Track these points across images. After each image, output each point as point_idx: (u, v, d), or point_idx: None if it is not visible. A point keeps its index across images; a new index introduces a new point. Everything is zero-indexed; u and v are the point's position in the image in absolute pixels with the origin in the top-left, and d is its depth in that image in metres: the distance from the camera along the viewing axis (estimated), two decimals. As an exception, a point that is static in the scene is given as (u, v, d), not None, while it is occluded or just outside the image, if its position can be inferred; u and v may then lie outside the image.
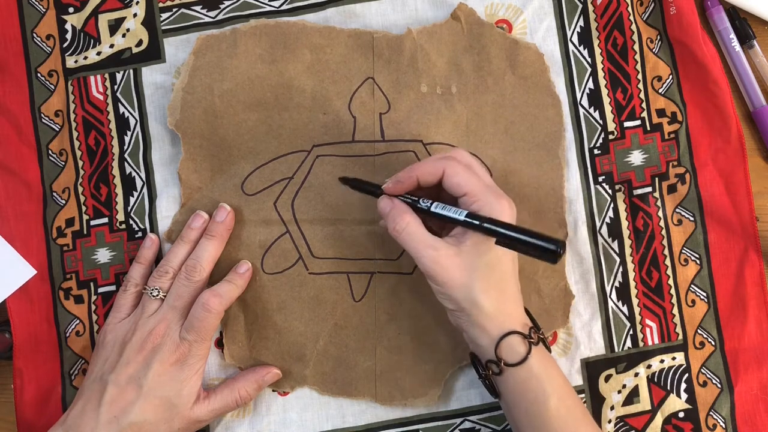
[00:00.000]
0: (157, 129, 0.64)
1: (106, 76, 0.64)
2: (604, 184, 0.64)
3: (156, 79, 0.64)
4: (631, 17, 0.64)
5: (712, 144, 0.64)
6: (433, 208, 0.55)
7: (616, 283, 0.64)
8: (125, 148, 0.64)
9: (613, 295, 0.63)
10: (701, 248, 0.64)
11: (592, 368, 0.63)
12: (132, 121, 0.64)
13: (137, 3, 0.64)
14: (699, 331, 0.63)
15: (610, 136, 0.64)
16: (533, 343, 0.54)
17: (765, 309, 0.63)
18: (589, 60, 0.64)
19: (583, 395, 0.63)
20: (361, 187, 0.59)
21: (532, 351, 0.53)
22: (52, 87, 0.64)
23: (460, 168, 0.54)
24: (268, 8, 0.64)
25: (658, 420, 0.63)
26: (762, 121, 0.64)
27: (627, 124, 0.64)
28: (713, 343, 0.63)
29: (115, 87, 0.64)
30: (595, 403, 0.63)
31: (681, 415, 0.63)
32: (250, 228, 0.63)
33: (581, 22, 0.64)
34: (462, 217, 0.53)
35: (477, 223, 0.52)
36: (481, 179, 0.54)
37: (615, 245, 0.64)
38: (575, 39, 0.64)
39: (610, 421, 0.63)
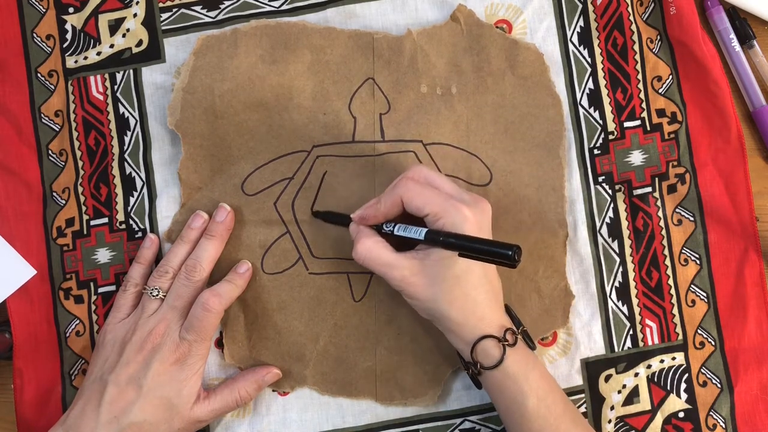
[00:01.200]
0: (157, 129, 0.64)
1: (106, 76, 0.64)
2: (604, 184, 0.64)
3: (156, 79, 0.64)
4: (631, 17, 0.64)
5: (712, 144, 0.64)
6: (396, 231, 0.56)
7: (616, 283, 0.64)
8: (125, 148, 0.64)
9: (613, 295, 0.63)
10: (701, 248, 0.64)
11: (592, 368, 0.63)
12: (132, 121, 0.64)
13: (137, 3, 0.64)
14: (699, 331, 0.63)
15: (610, 136, 0.64)
16: (508, 345, 0.54)
17: (765, 309, 0.63)
18: (589, 60, 0.64)
19: (583, 395, 0.63)
20: (333, 220, 0.61)
21: (507, 353, 0.54)
22: (52, 87, 0.64)
23: (416, 189, 0.55)
24: (269, 8, 0.64)
25: (658, 420, 0.63)
26: (762, 121, 0.64)
27: (627, 124, 0.64)
28: (713, 343, 0.63)
29: (115, 87, 0.64)
30: (595, 403, 0.63)
31: (681, 415, 0.63)
32: (250, 228, 0.63)
33: (581, 22, 0.64)
34: (422, 236, 0.55)
35: (436, 239, 0.53)
36: (441, 192, 0.55)
37: (615, 245, 0.64)
38: (575, 39, 0.64)
39: (610, 421, 0.63)
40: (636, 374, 0.63)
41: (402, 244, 0.57)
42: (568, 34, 0.64)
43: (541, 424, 0.54)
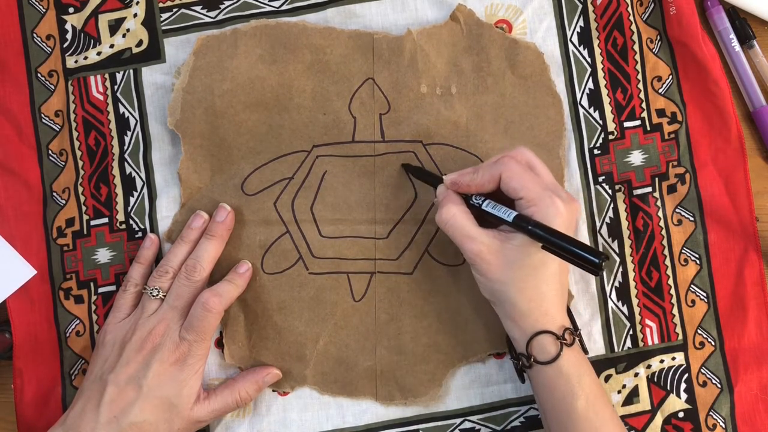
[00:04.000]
0: (157, 129, 0.64)
1: (106, 76, 0.64)
2: (604, 184, 0.64)
3: (156, 79, 0.64)
4: (631, 17, 0.64)
5: (712, 144, 0.64)
6: (484, 206, 0.55)
7: (616, 283, 0.64)
8: (125, 148, 0.64)
9: (613, 295, 0.63)
10: (701, 248, 0.64)
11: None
12: (132, 121, 0.64)
13: (137, 3, 0.64)
14: (699, 331, 0.63)
15: (610, 136, 0.64)
16: (566, 344, 0.54)
17: (765, 309, 0.63)
18: (589, 60, 0.64)
19: (583, 395, 0.63)
20: (422, 177, 0.60)
21: (563, 351, 0.54)
22: (52, 87, 0.64)
23: (517, 170, 0.54)
24: (269, 8, 0.64)
25: (658, 420, 0.63)
26: (762, 121, 0.64)
27: (627, 124, 0.64)
28: (713, 343, 0.63)
29: (115, 87, 0.64)
30: (595, 403, 0.63)
31: (681, 415, 0.63)
32: (250, 228, 0.63)
33: (581, 22, 0.64)
34: (510, 219, 0.53)
35: (524, 226, 0.52)
36: (540, 180, 0.55)
37: (615, 245, 0.64)
38: (575, 39, 0.64)
39: (610, 421, 0.63)
40: (636, 374, 0.63)
41: (482, 220, 0.56)
42: (568, 34, 0.64)
43: (586, 427, 0.54)
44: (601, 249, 0.63)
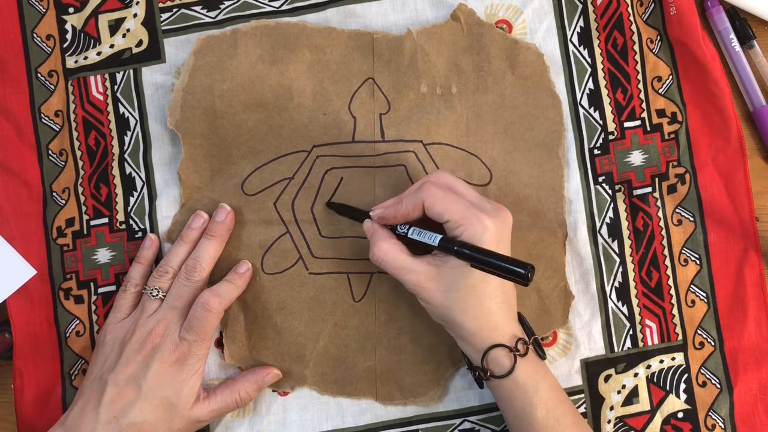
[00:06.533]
0: (157, 129, 0.64)
1: (106, 76, 0.64)
2: (604, 185, 0.64)
3: (156, 79, 0.64)
4: (631, 17, 0.64)
5: (712, 144, 0.64)
6: (409, 235, 0.56)
7: (616, 284, 0.64)
8: (125, 148, 0.64)
9: (613, 296, 0.63)
10: (701, 248, 0.64)
11: (592, 368, 0.63)
12: (132, 121, 0.64)
13: (137, 3, 0.64)
14: (699, 332, 0.63)
15: (610, 137, 0.64)
16: (520, 354, 0.54)
17: (765, 309, 0.63)
18: (589, 60, 0.64)
19: (582, 395, 0.63)
20: (348, 213, 0.61)
21: (517, 363, 0.54)
22: (52, 87, 0.64)
23: (438, 194, 0.54)
24: (269, 8, 0.64)
25: (657, 420, 0.63)
26: (762, 121, 0.64)
27: (627, 124, 0.64)
28: (713, 343, 0.63)
29: (115, 87, 0.64)
30: (595, 403, 0.63)
31: (680, 415, 0.63)
32: (250, 228, 0.63)
33: (581, 23, 0.64)
34: (436, 243, 0.54)
35: (450, 247, 0.53)
36: (463, 199, 0.55)
37: (615, 245, 0.64)
38: (575, 39, 0.64)
39: (609, 422, 0.63)
40: (635, 374, 0.63)
41: (418, 247, 0.56)
42: (568, 34, 0.64)
43: None
44: (601, 249, 0.63)
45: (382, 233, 0.57)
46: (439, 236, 0.54)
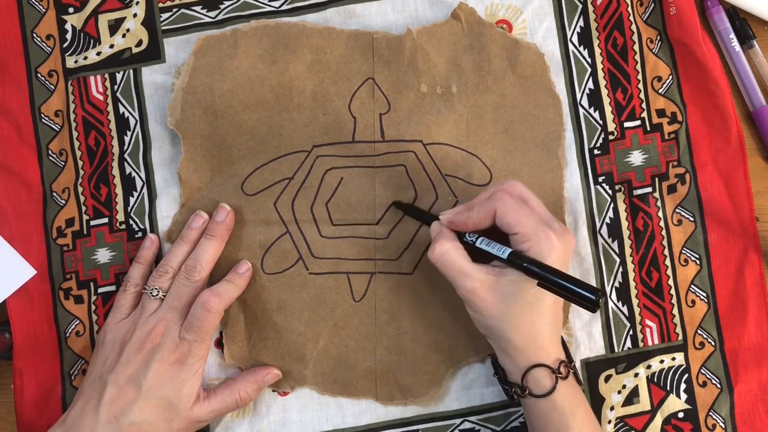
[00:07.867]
0: (157, 129, 0.64)
1: (106, 76, 0.64)
2: (604, 185, 0.64)
3: (156, 79, 0.64)
4: (631, 17, 0.64)
5: (712, 144, 0.64)
6: (477, 244, 0.55)
7: (616, 284, 0.64)
8: (125, 148, 0.64)
9: (613, 296, 0.63)
10: (701, 248, 0.64)
11: (592, 368, 0.63)
12: (132, 121, 0.64)
13: (137, 3, 0.64)
14: (699, 332, 0.63)
15: (610, 137, 0.64)
16: (561, 377, 0.54)
17: (765, 309, 0.63)
18: (589, 60, 0.64)
19: (582, 395, 0.63)
20: (415, 215, 0.61)
21: (558, 384, 0.54)
22: (52, 87, 0.64)
23: (512, 205, 0.53)
24: (269, 8, 0.64)
25: (658, 420, 0.63)
26: (762, 121, 0.64)
27: (627, 124, 0.64)
28: (713, 343, 0.63)
29: (115, 87, 0.64)
30: (595, 403, 0.63)
31: (680, 415, 0.63)
32: (250, 228, 0.63)
33: (581, 23, 0.64)
34: (505, 256, 0.53)
35: (519, 263, 0.52)
36: (534, 214, 0.54)
37: (615, 245, 0.64)
38: (575, 39, 0.64)
39: (609, 422, 0.63)
40: (636, 374, 0.63)
41: (476, 255, 0.55)
42: (568, 34, 0.64)
43: None
44: (601, 249, 0.63)
45: (448, 234, 0.56)
46: (509, 249, 0.53)
